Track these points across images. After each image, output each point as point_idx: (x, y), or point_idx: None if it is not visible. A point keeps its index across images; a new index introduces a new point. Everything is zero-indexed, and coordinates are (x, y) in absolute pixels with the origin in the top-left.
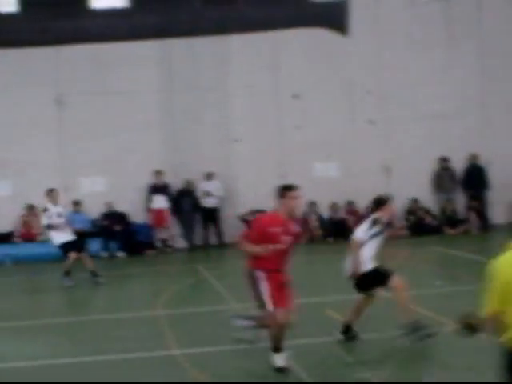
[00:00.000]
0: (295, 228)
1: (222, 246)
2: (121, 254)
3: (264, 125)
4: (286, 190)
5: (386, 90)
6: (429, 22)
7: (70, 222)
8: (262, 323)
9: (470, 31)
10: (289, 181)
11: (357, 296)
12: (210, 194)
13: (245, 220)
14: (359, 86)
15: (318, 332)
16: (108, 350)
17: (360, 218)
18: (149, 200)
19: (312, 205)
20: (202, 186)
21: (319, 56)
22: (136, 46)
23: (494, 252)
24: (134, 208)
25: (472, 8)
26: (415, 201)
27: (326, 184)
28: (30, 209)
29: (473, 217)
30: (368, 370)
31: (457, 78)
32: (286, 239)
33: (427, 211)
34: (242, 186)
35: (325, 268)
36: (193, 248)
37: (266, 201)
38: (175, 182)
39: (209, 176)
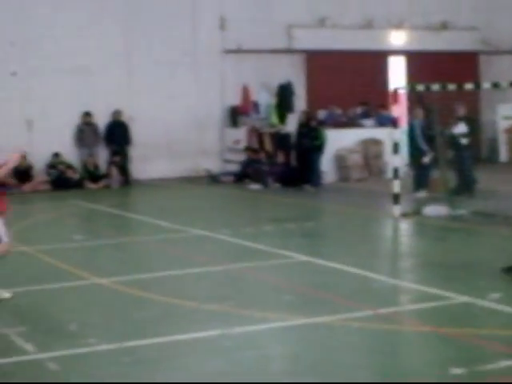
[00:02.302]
0: None
1: None
2: None
3: None
4: None
5: (29, 42)
6: None
7: None
8: None
9: None
10: None
11: None
12: None
13: None
14: (2, 36)
15: None
16: None
17: None
18: None
19: None
20: None
21: None
22: None
23: (133, 206)
24: None
25: None
26: (57, 155)
27: None
28: None
29: (114, 172)
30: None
31: (102, 32)
32: None
33: (69, 166)
34: None
35: None
36: None
37: None
38: None
39: None
